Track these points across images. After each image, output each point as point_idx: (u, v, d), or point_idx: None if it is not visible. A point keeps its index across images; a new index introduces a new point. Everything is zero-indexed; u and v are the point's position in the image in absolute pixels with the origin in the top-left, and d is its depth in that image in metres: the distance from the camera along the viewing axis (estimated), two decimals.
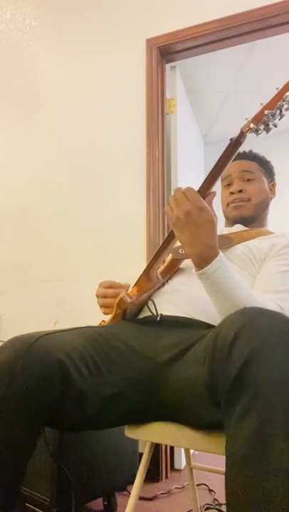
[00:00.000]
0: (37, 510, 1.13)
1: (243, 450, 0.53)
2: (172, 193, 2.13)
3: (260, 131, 0.82)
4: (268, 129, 0.82)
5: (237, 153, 0.88)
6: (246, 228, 1.15)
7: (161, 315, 0.93)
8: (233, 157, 0.86)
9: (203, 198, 0.84)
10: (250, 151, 1.22)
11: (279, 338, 0.58)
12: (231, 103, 3.31)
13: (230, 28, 1.83)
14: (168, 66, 2.09)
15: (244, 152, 1.21)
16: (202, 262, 0.82)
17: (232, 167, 1.18)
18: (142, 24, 2.04)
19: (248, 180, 1.15)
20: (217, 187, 1.22)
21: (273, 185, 1.21)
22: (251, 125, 0.82)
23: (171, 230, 0.93)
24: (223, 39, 1.88)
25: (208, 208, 0.83)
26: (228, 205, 1.17)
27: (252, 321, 0.61)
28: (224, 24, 1.83)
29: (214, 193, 0.87)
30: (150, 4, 2.04)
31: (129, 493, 0.93)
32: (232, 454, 0.55)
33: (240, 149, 1.21)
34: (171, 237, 0.95)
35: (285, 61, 2.70)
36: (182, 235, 0.84)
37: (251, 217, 1.15)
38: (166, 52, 2.00)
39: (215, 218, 0.84)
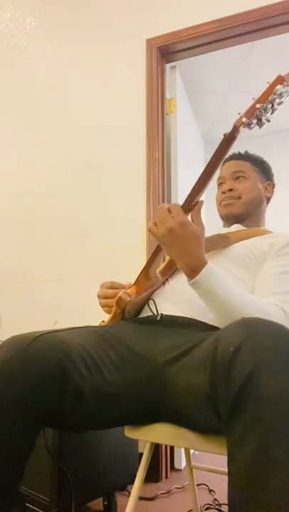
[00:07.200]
0: (37, 510, 1.13)
1: (245, 472, 0.53)
2: (172, 193, 2.12)
3: (252, 125, 0.82)
4: (260, 124, 0.82)
5: (230, 151, 0.87)
6: (244, 228, 1.15)
7: (162, 314, 0.93)
8: (227, 153, 0.86)
9: (191, 210, 0.85)
10: (246, 151, 1.23)
11: (280, 353, 0.57)
12: (231, 103, 3.31)
13: (230, 28, 1.83)
14: (168, 66, 2.09)
15: (238, 153, 1.22)
16: (192, 272, 0.84)
17: (225, 168, 1.20)
18: (142, 24, 2.04)
19: (239, 179, 1.16)
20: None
21: (269, 185, 1.21)
22: (244, 119, 0.82)
23: None
24: (223, 39, 1.88)
25: (189, 221, 0.84)
26: (220, 203, 1.19)
27: (251, 335, 0.60)
28: (224, 24, 1.83)
29: (201, 202, 0.88)
30: (150, 4, 2.04)
31: (129, 493, 0.93)
32: (234, 474, 0.55)
33: (236, 150, 1.23)
34: None
35: (284, 61, 2.70)
36: (170, 250, 0.86)
37: (242, 215, 1.15)
38: (166, 52, 2.00)
39: (201, 228, 0.85)
